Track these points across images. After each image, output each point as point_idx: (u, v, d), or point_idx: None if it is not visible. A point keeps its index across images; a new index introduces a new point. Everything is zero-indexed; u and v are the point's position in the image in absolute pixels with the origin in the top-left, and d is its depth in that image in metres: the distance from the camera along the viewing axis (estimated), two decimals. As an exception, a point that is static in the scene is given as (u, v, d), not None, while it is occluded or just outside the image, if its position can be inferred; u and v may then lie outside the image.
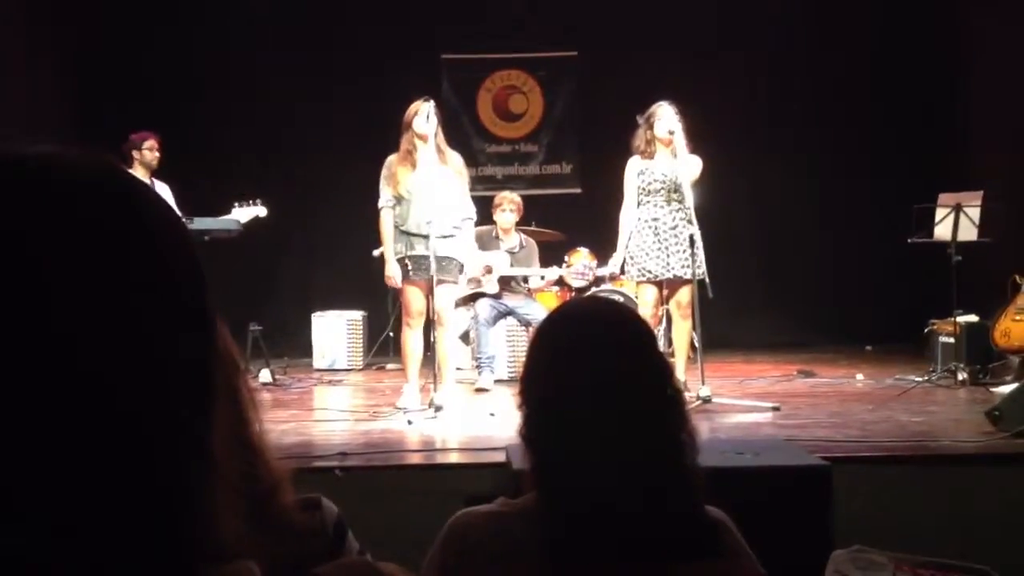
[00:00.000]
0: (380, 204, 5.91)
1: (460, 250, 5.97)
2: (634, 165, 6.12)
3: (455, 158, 6.01)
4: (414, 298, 5.88)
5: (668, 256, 5.95)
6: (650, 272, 6.03)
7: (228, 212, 7.06)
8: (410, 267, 5.82)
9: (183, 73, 8.91)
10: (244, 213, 7.03)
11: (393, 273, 5.86)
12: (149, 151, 7.04)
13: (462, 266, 6.07)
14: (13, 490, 0.55)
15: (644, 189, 6.06)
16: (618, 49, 9.25)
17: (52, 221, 0.58)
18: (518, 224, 7.66)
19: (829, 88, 9.28)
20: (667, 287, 6.12)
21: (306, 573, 0.73)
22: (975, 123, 8.79)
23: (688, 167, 5.89)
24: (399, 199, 5.85)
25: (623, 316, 1.70)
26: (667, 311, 6.42)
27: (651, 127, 6.04)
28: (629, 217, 6.13)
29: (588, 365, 1.57)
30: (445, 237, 5.77)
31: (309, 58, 9.17)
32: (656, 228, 6.01)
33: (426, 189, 5.74)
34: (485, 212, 7.53)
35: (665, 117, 5.98)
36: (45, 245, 0.57)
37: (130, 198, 0.62)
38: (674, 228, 5.96)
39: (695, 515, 1.55)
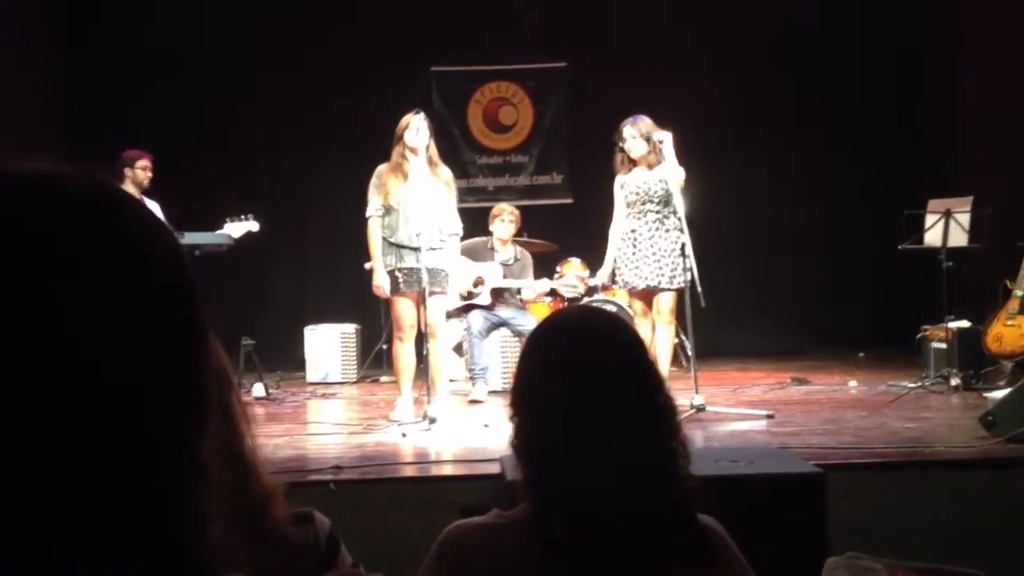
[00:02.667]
0: (368, 213, 5.91)
1: (447, 262, 5.98)
2: (617, 180, 6.28)
3: (445, 172, 6.01)
4: (405, 311, 5.87)
5: (645, 266, 6.03)
6: (627, 283, 6.15)
7: (220, 227, 7.04)
8: (400, 280, 5.82)
9: (173, 87, 8.91)
10: (236, 228, 7.01)
11: (381, 282, 5.85)
12: (142, 170, 7.01)
13: (448, 277, 6.07)
14: (5, 498, 0.55)
15: (625, 202, 6.19)
16: (607, 59, 9.28)
17: (40, 237, 0.58)
18: (513, 237, 7.67)
19: (819, 95, 9.33)
20: (652, 296, 6.17)
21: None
22: (964, 129, 8.82)
23: (674, 176, 5.96)
24: (388, 209, 5.85)
25: (613, 325, 1.70)
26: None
27: (620, 148, 6.18)
28: (615, 231, 6.30)
29: (578, 374, 1.57)
30: (434, 249, 5.78)
31: (299, 71, 9.18)
32: (634, 239, 6.11)
33: (417, 201, 5.75)
34: (476, 223, 7.54)
35: (626, 136, 6.10)
36: (34, 259, 0.57)
37: (121, 213, 0.63)
38: (651, 239, 6.05)
39: (687, 523, 1.55)
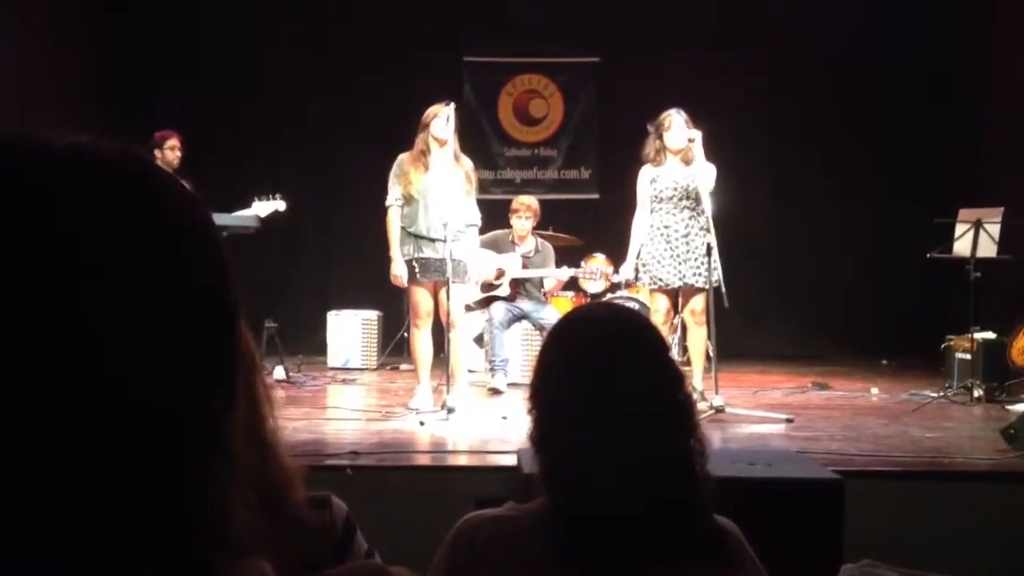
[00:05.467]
0: (388, 202, 5.90)
1: (467, 253, 5.98)
2: (646, 173, 6.08)
3: (467, 162, 5.99)
4: (422, 300, 5.88)
5: (679, 264, 5.92)
6: (661, 280, 6.00)
7: (248, 207, 7.08)
8: (417, 269, 5.82)
9: (206, 70, 8.95)
10: (263, 207, 7.06)
11: (400, 272, 5.86)
12: (171, 151, 7.06)
13: (467, 268, 6.08)
14: (35, 483, 0.55)
15: (656, 197, 6.02)
16: (639, 56, 9.24)
17: (78, 209, 0.58)
18: (535, 228, 7.66)
19: (851, 100, 9.25)
20: (681, 295, 6.10)
21: (316, 573, 0.73)
22: (997, 139, 8.73)
23: (704, 174, 5.87)
24: (408, 200, 5.84)
25: (634, 322, 1.70)
26: (682, 320, 6.40)
27: (660, 136, 6.02)
28: (641, 225, 6.11)
29: (598, 370, 1.57)
30: (454, 240, 5.77)
31: (331, 58, 9.20)
32: (668, 236, 5.97)
33: (440, 192, 5.75)
34: (503, 214, 7.55)
35: (675, 126, 5.94)
36: (71, 233, 0.57)
37: (158, 190, 0.63)
38: (686, 236, 5.93)
39: (703, 523, 1.55)
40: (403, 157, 5.93)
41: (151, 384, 0.58)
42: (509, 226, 7.56)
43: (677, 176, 5.95)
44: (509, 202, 7.70)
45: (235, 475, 0.62)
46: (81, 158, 0.61)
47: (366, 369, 8.17)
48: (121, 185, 0.61)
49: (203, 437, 0.60)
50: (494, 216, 7.40)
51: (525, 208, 7.50)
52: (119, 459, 0.57)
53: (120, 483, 0.56)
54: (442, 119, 5.78)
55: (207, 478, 0.60)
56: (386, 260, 5.95)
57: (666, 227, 5.99)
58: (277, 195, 7.12)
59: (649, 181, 6.05)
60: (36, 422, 0.55)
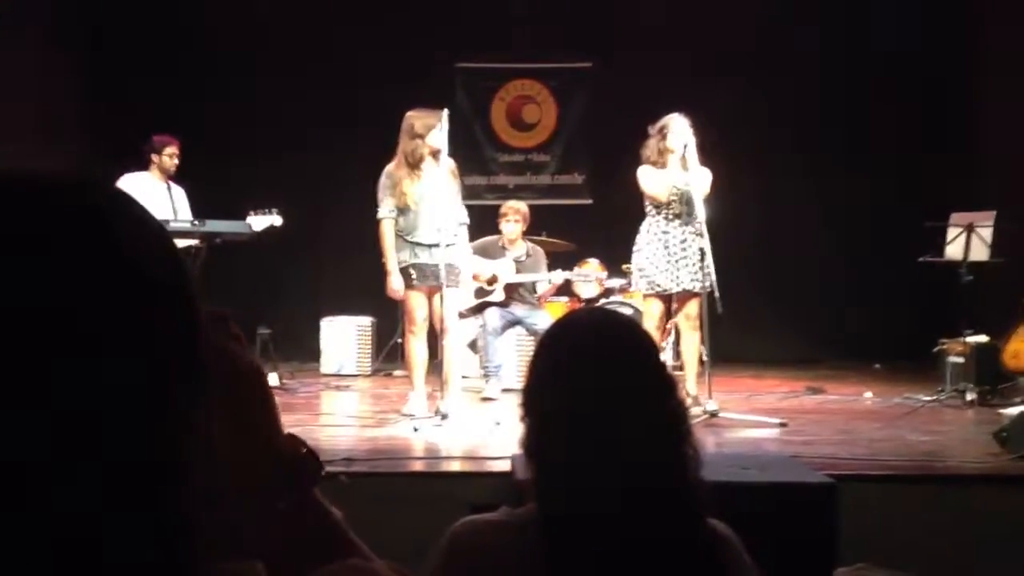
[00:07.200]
0: (381, 215, 5.84)
1: (459, 257, 5.97)
2: (650, 170, 6.05)
3: (450, 162, 5.96)
4: (417, 305, 5.87)
5: (677, 270, 5.94)
6: (659, 286, 6.01)
7: (243, 219, 7.06)
8: (414, 275, 5.81)
9: (201, 77, 8.95)
10: (259, 222, 7.01)
11: (397, 285, 5.84)
12: (168, 157, 7.06)
13: (460, 272, 6.07)
14: (9, 481, 0.56)
15: (660, 200, 6.02)
16: (632, 60, 9.26)
17: (23, 228, 0.60)
18: (527, 233, 7.66)
19: (843, 107, 9.28)
20: (676, 300, 6.11)
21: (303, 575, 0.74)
22: (989, 143, 8.76)
23: (700, 180, 5.87)
24: (403, 210, 5.82)
25: (626, 328, 1.70)
26: (675, 325, 6.41)
27: (663, 139, 6.02)
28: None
29: (590, 376, 1.57)
30: (450, 245, 5.77)
31: (325, 64, 9.20)
32: (666, 241, 5.99)
33: (432, 198, 5.74)
34: (495, 220, 7.54)
35: (678, 130, 5.94)
36: (21, 248, 0.59)
37: (104, 209, 0.64)
38: (683, 241, 5.95)
39: (697, 528, 1.55)
40: (390, 168, 5.88)
41: (115, 376, 0.59)
42: (499, 232, 7.56)
43: (677, 180, 5.95)
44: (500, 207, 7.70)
45: (218, 476, 0.63)
46: (14, 183, 0.62)
47: (360, 375, 8.17)
48: (63, 209, 0.62)
49: (172, 431, 0.61)
50: (487, 221, 7.41)
51: (513, 212, 7.50)
52: (89, 451, 0.58)
53: (93, 482, 0.57)
54: (440, 130, 5.74)
55: (182, 479, 0.61)
56: (381, 268, 5.94)
57: (664, 232, 6.00)
58: (273, 210, 7.08)
59: (657, 180, 5.98)
60: (8, 421, 0.56)
